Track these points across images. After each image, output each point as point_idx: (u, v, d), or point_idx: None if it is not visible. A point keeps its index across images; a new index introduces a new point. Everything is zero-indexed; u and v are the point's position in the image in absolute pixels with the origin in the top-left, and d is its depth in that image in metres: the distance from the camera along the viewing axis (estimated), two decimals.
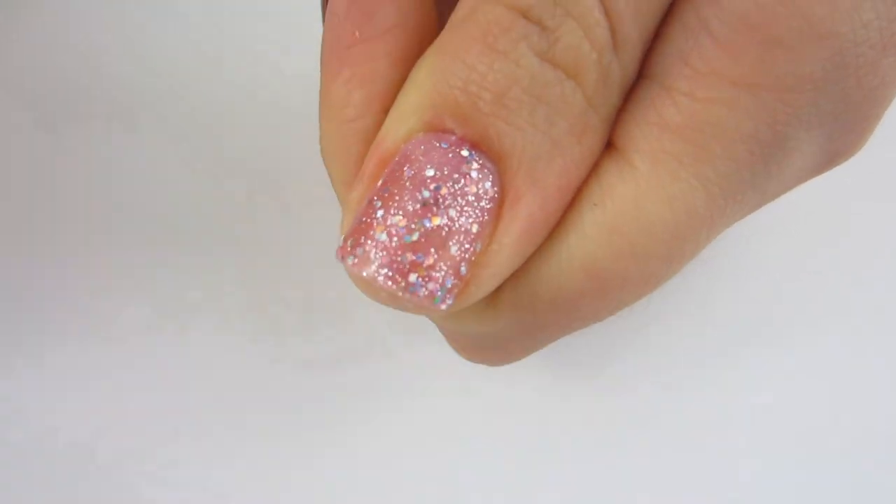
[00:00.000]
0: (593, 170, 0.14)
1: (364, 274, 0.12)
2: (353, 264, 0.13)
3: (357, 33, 0.13)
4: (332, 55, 0.14)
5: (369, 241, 0.12)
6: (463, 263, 0.13)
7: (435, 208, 0.12)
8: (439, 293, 0.13)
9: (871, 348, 0.21)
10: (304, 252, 0.23)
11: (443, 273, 0.12)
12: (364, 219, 0.13)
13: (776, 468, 0.20)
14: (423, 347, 0.21)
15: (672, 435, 0.21)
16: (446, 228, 0.12)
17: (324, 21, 0.15)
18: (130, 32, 0.26)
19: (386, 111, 0.14)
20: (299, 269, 0.23)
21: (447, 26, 0.13)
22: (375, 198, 0.13)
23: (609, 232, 0.14)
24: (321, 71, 0.14)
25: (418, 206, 0.12)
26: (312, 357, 0.22)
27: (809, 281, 0.22)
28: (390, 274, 0.12)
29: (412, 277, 0.12)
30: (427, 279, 0.12)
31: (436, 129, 0.13)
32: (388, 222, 0.12)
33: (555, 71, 0.12)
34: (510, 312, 0.15)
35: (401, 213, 0.12)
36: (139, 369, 0.22)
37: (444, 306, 0.13)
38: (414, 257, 0.12)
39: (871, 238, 0.22)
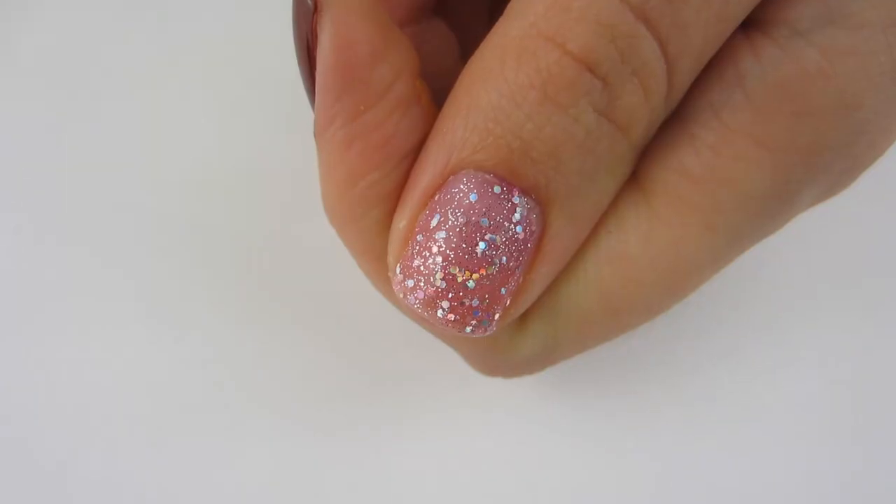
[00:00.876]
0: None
1: (426, 314, 0.13)
2: (416, 304, 0.13)
3: (361, 107, 0.13)
4: (338, 130, 0.13)
5: (430, 288, 0.13)
6: (508, 298, 0.13)
7: (490, 258, 0.13)
8: (488, 327, 0.13)
9: (872, 346, 0.22)
10: (304, 251, 0.23)
11: (493, 312, 0.13)
12: (423, 262, 0.13)
13: (776, 467, 0.21)
14: (424, 347, 0.22)
15: (672, 434, 0.22)
16: (498, 275, 0.13)
17: (308, 90, 0.14)
18: (130, 30, 0.24)
19: (408, 158, 0.14)
20: (299, 268, 0.23)
21: (499, 45, 0.13)
22: (431, 242, 0.13)
23: (619, 259, 0.15)
24: (321, 142, 0.14)
25: (476, 256, 0.13)
26: (311, 356, 0.22)
27: (810, 279, 0.22)
28: (452, 318, 0.13)
29: (468, 318, 0.13)
30: (480, 318, 0.13)
31: (486, 170, 0.13)
32: (447, 271, 0.13)
33: (609, 126, 0.13)
34: (536, 333, 0.16)
35: (458, 264, 0.13)
36: (136, 368, 0.22)
37: (488, 333, 0.14)
38: (471, 302, 0.13)
39: (871, 236, 0.22)
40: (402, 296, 0.13)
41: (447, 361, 0.21)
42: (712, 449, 0.21)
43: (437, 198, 0.13)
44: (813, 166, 0.13)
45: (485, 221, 0.13)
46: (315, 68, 0.13)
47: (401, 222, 0.14)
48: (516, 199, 0.13)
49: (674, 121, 0.14)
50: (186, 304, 0.23)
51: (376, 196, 0.14)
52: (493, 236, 0.13)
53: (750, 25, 0.13)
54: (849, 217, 0.22)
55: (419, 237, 0.13)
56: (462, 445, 0.22)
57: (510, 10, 0.13)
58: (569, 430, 0.22)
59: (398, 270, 0.13)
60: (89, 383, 0.22)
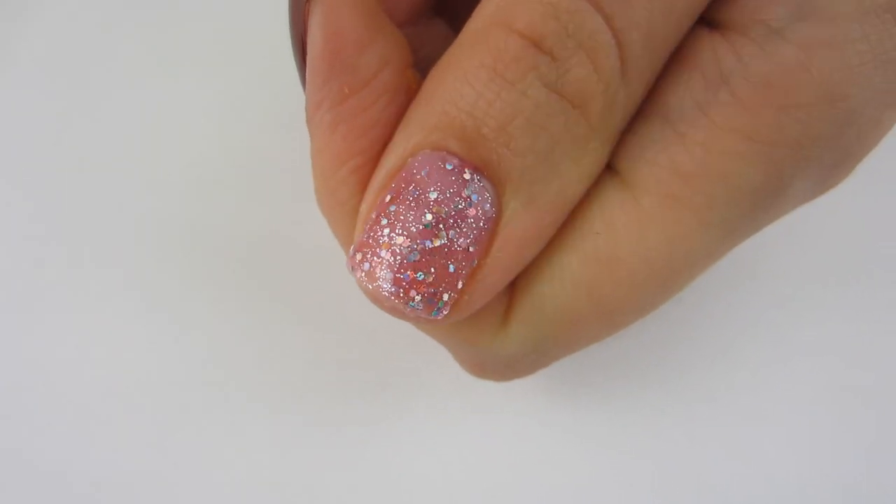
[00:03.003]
0: (596, 196, 0.15)
1: (370, 287, 0.13)
2: (361, 277, 0.13)
3: (346, 89, 0.14)
4: (325, 114, 0.14)
5: (375, 258, 0.13)
6: (459, 279, 0.13)
7: (436, 230, 0.13)
8: (437, 306, 0.13)
9: (870, 344, 0.21)
10: (304, 250, 0.23)
11: (440, 289, 0.13)
12: (371, 235, 0.13)
13: (774, 465, 0.21)
14: (424, 347, 0.22)
15: (670, 433, 0.21)
16: (446, 248, 0.13)
17: (303, 79, 0.15)
18: (130, 29, 0.25)
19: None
20: (300, 267, 0.23)
21: (459, 40, 0.13)
22: (382, 216, 0.13)
23: (609, 260, 0.14)
24: (311, 127, 0.14)
25: (421, 227, 0.13)
26: (311, 356, 0.22)
27: (806, 277, 0.22)
28: (394, 289, 0.13)
29: (412, 293, 0.13)
30: (426, 294, 0.13)
31: (440, 149, 0.13)
32: (393, 241, 0.13)
33: (561, 102, 0.13)
34: (520, 331, 0.16)
35: (405, 233, 0.13)
36: (135, 367, 0.22)
37: (440, 317, 0.14)
38: (415, 275, 0.13)
39: (867, 234, 0.22)
40: (351, 271, 0.14)
41: (447, 362, 0.21)
42: (710, 447, 0.21)
43: (395, 178, 0.13)
44: (802, 159, 0.13)
45: (433, 194, 0.13)
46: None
47: (364, 204, 0.14)
48: (467, 176, 0.13)
49: (660, 121, 0.14)
50: (186, 304, 0.23)
51: (358, 181, 0.14)
52: (442, 208, 0.13)
53: (727, 28, 0.13)
54: (844, 215, 0.22)
55: (373, 214, 0.13)
56: (461, 445, 0.21)
57: (476, 9, 0.14)
58: (567, 428, 0.21)
59: (352, 249, 0.14)
60: (89, 382, 0.22)
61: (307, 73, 0.14)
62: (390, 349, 0.22)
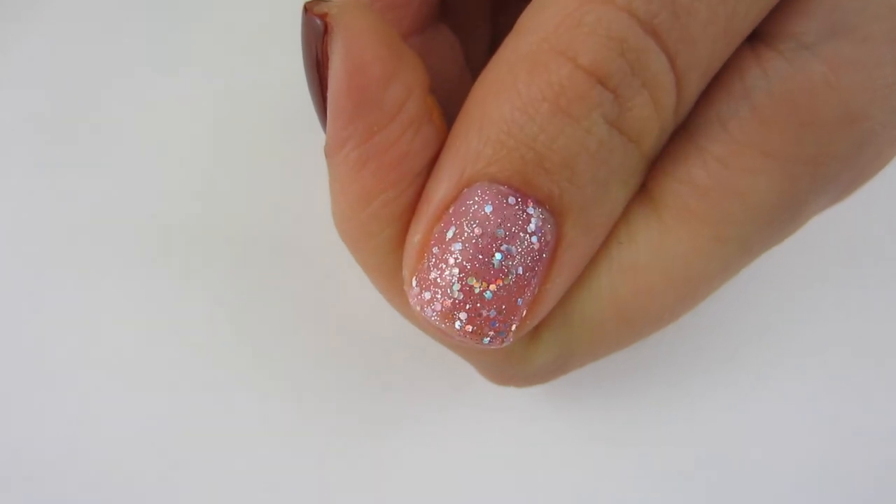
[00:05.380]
0: (623, 210, 0.15)
1: (443, 326, 0.13)
2: (433, 317, 0.13)
3: (375, 128, 0.13)
4: (351, 152, 0.13)
5: (447, 299, 0.13)
6: (525, 309, 0.14)
7: (506, 268, 0.13)
8: (505, 338, 0.14)
9: (875, 347, 0.22)
10: (306, 251, 0.23)
11: (510, 322, 0.13)
12: (438, 273, 0.13)
13: (777, 468, 0.21)
14: (426, 349, 0.22)
15: (675, 437, 0.22)
16: (515, 286, 0.13)
17: (321, 115, 0.14)
18: (130, 31, 0.24)
19: (421, 176, 0.14)
20: (300, 269, 0.23)
21: (508, 60, 0.13)
22: (448, 254, 0.13)
23: (631, 270, 0.15)
24: (333, 164, 0.14)
25: (493, 268, 0.13)
26: (312, 358, 0.22)
27: (813, 281, 0.22)
28: (470, 329, 0.13)
29: (486, 330, 0.13)
30: (498, 329, 0.13)
31: (499, 182, 0.13)
32: (465, 282, 0.13)
33: (621, 137, 0.13)
34: (549, 344, 0.16)
35: (475, 275, 0.13)
36: (136, 370, 0.22)
37: (504, 344, 0.14)
38: (488, 313, 0.13)
39: (873, 237, 0.22)
40: (419, 309, 0.13)
41: (449, 362, 0.21)
42: (712, 447, 0.22)
43: (451, 210, 0.13)
44: (820, 176, 0.14)
45: (500, 232, 0.13)
46: (325, 88, 0.13)
47: (416, 236, 0.14)
48: (531, 210, 0.13)
49: (682, 133, 0.14)
50: (186, 304, 0.23)
51: (390, 214, 0.14)
52: (509, 247, 0.13)
53: (756, 39, 0.13)
54: (846, 217, 0.22)
55: (435, 249, 0.13)
56: (462, 445, 0.22)
57: (521, 25, 0.13)
58: (570, 429, 0.22)
59: (414, 283, 0.14)
60: (89, 381, 0.22)
61: (329, 110, 0.13)
62: (391, 350, 0.22)
